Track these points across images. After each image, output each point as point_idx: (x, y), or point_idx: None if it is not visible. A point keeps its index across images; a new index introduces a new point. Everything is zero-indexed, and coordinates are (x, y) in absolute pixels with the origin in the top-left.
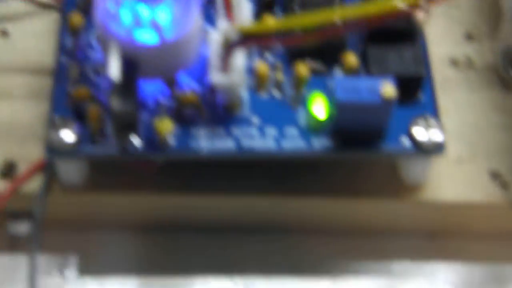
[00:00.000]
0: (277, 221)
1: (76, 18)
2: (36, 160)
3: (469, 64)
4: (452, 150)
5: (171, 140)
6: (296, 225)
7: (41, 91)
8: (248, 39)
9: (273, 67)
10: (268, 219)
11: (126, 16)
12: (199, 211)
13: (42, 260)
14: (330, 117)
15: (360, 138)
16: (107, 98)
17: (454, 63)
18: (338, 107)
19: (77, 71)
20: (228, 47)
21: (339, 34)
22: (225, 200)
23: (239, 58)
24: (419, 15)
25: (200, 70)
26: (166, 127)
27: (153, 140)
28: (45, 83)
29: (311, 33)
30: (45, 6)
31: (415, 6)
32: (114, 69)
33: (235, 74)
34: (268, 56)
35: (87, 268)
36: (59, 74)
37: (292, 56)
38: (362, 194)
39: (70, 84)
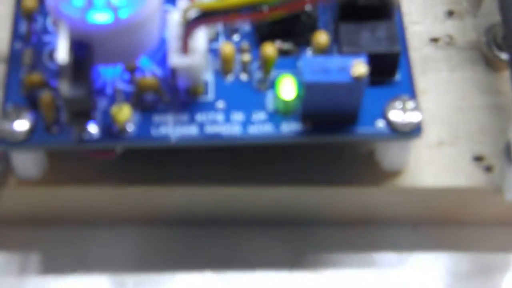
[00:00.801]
0: (252, 213)
1: (30, 2)
2: None
3: (450, 42)
4: (432, 133)
5: (130, 128)
6: (272, 218)
7: None
8: (208, 16)
9: (240, 49)
10: (242, 211)
11: None
12: (164, 202)
13: (0, 258)
14: (299, 100)
15: (332, 121)
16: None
17: (434, 41)
18: (306, 88)
19: (31, 57)
20: (187, 26)
21: (305, 6)
22: (189, 191)
23: (200, 38)
24: None
25: (162, 53)
26: (125, 114)
27: (111, 128)
28: (2, 72)
29: (277, 7)
30: None
31: None
32: (62, 52)
33: (195, 55)
34: (235, 37)
35: (50, 266)
36: (12, 60)
37: (261, 37)
38: (338, 182)
39: (25, 71)
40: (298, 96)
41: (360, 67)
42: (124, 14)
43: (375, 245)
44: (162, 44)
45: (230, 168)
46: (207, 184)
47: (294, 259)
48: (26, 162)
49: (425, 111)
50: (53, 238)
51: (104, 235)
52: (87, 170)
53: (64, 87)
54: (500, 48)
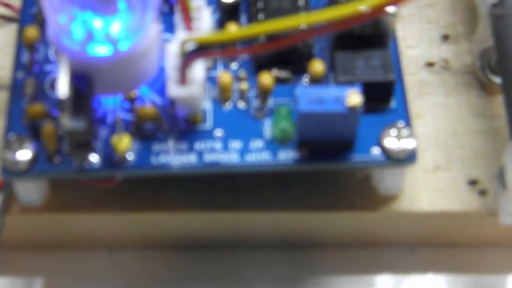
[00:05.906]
0: (251, 238)
1: (32, 32)
2: None
3: (445, 66)
4: (428, 157)
5: (131, 157)
6: (271, 241)
7: (0, 107)
8: (206, 49)
9: (238, 77)
10: (241, 235)
11: (78, 30)
12: (164, 228)
13: (5, 283)
14: (296, 129)
15: (328, 150)
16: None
17: (429, 65)
18: (302, 118)
19: (33, 86)
20: (185, 58)
21: (303, 40)
22: (188, 216)
23: (198, 69)
24: (389, 17)
25: (161, 82)
26: (125, 143)
27: (111, 157)
28: (4, 99)
29: (275, 40)
30: (5, 18)
31: (379, 9)
32: (62, 86)
33: (193, 86)
34: (233, 65)
35: None
36: (15, 90)
37: (258, 65)
38: (335, 207)
39: (27, 101)
40: (295, 125)
41: (354, 97)
42: (123, 47)
43: (372, 268)
44: (161, 73)
45: (229, 194)
46: (206, 210)
47: (293, 282)
48: (29, 190)
49: (420, 135)
50: (56, 262)
51: (105, 259)
52: (88, 197)
53: (65, 120)
54: (494, 72)
